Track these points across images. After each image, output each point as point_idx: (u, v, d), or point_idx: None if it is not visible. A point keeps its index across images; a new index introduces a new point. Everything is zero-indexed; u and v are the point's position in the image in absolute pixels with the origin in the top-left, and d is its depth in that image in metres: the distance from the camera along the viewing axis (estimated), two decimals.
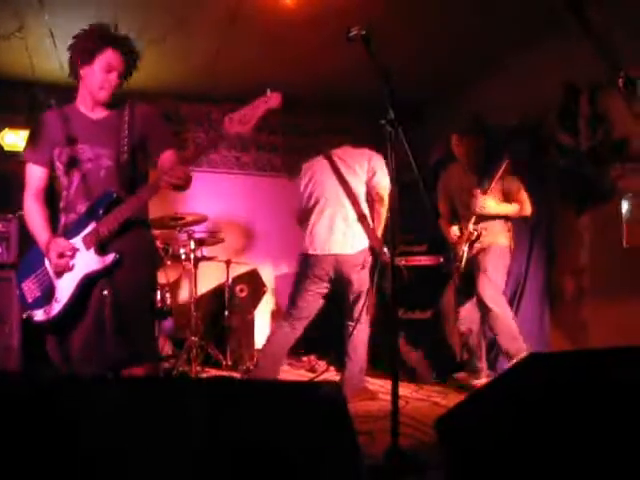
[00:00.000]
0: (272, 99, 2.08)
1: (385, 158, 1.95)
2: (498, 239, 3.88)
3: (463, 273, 3.86)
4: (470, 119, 4.04)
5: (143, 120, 2.39)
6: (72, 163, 2.32)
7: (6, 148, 5.23)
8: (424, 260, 4.40)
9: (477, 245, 3.83)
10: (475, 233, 3.81)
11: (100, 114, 2.38)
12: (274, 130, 6.17)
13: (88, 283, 2.24)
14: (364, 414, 2.89)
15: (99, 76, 2.29)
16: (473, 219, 3.79)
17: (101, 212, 2.23)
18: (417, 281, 4.28)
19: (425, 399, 3.50)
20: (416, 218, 3.94)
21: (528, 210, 3.89)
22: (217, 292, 4.98)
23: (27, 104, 5.29)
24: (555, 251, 4.61)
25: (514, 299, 4.49)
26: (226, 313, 4.66)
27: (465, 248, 3.82)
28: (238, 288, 4.77)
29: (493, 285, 3.76)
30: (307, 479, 1.09)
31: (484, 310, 3.70)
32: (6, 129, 5.28)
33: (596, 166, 4.17)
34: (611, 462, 1.39)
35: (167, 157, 2.37)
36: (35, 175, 2.39)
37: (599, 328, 4.11)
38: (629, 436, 1.41)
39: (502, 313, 3.69)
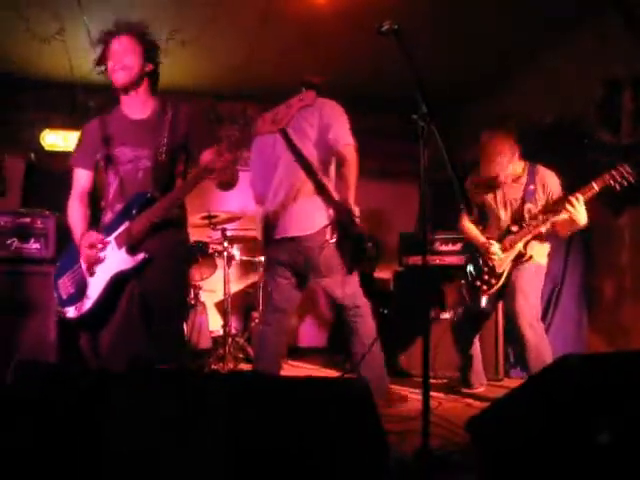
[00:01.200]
0: (306, 97, 2.07)
1: (417, 155, 1.86)
2: (539, 256, 3.45)
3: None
4: (501, 119, 3.76)
5: (187, 120, 2.42)
6: (112, 165, 2.39)
7: (46, 148, 5.38)
8: (458, 260, 4.30)
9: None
10: (527, 255, 3.35)
11: (142, 114, 2.42)
12: None
13: (118, 282, 2.28)
14: (395, 414, 2.86)
15: (110, 63, 2.32)
16: (528, 236, 3.33)
17: (134, 212, 2.28)
18: (451, 280, 4.19)
19: (458, 400, 3.44)
20: (450, 217, 3.88)
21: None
22: (251, 289, 5.00)
23: (68, 105, 5.42)
24: (594, 251, 4.49)
25: (551, 301, 4.39)
26: (259, 311, 4.67)
27: (507, 267, 3.37)
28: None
29: (533, 309, 3.33)
30: (331, 475, 1.08)
31: (519, 337, 3.27)
32: (46, 129, 5.42)
33: (636, 163, 4.05)
34: None
35: (207, 155, 2.37)
36: (80, 178, 2.49)
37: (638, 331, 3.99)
38: None
39: (539, 343, 3.25)
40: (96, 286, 2.30)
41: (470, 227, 3.60)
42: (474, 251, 3.56)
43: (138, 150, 2.36)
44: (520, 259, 3.37)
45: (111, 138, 2.38)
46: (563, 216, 3.19)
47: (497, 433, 1.68)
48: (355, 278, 3.07)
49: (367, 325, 3.11)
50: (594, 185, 3.14)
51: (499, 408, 1.69)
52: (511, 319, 3.38)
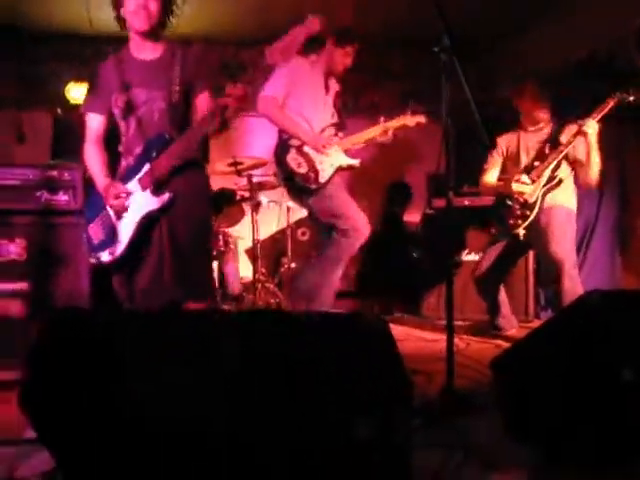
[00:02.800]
0: (311, 24, 2.04)
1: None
2: (569, 199, 3.44)
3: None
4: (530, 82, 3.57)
5: (196, 60, 2.40)
6: (128, 108, 2.39)
7: (71, 101, 5.38)
8: (488, 200, 4.20)
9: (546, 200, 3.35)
10: (557, 178, 3.33)
11: (152, 54, 2.40)
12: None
13: (147, 223, 2.33)
14: (424, 355, 2.89)
15: (132, 6, 2.28)
16: (554, 163, 3.31)
17: (154, 154, 2.30)
18: (480, 222, 4.12)
19: (487, 342, 3.45)
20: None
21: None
22: (278, 236, 5.03)
23: (91, 57, 5.39)
24: (628, 191, 4.36)
25: (583, 242, 4.31)
26: (287, 256, 4.70)
27: (540, 195, 3.33)
28: (300, 231, 4.80)
29: (569, 255, 3.29)
30: (351, 410, 1.09)
31: (554, 281, 3.28)
32: (71, 82, 5.41)
33: None
34: None
35: (202, 99, 2.38)
36: (93, 123, 2.49)
37: None
38: None
39: (574, 288, 3.19)
40: (126, 230, 2.35)
41: (492, 181, 3.63)
42: (499, 198, 3.54)
43: (152, 91, 2.36)
44: (551, 184, 3.36)
45: (125, 80, 2.37)
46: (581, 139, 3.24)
47: (520, 372, 1.68)
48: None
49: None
50: (608, 102, 3.22)
51: (522, 347, 1.68)
52: (545, 264, 3.47)
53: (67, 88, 5.40)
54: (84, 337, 1.37)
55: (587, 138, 3.22)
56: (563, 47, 4.60)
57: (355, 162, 3.29)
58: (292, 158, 3.16)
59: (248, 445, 1.17)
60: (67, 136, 4.73)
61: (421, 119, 3.42)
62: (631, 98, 3.24)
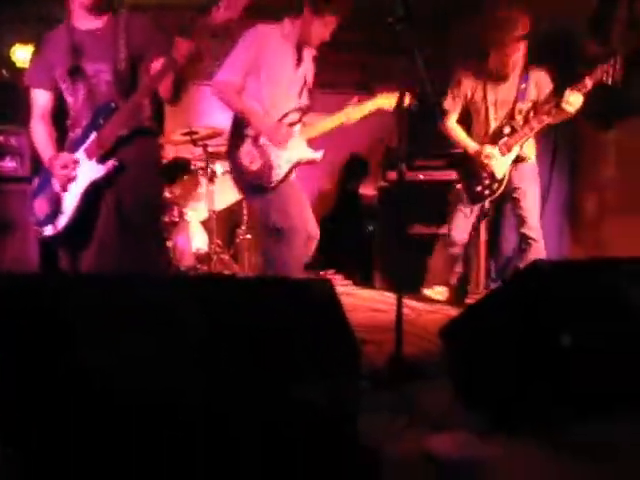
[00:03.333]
0: None
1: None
2: (532, 155, 3.52)
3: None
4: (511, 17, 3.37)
5: (143, 29, 2.34)
6: (75, 81, 2.32)
7: (18, 64, 5.14)
8: (442, 175, 4.27)
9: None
10: (528, 156, 3.44)
11: (94, 24, 2.33)
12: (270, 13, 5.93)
13: (92, 193, 2.28)
14: (373, 325, 2.93)
15: None
16: (525, 139, 3.36)
17: (101, 122, 2.25)
18: (434, 197, 4.16)
19: (439, 312, 3.52)
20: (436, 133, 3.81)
21: None
22: (235, 207, 4.98)
23: (35, 17, 5.16)
24: (578, 168, 4.48)
25: None
26: (244, 227, 4.68)
27: (507, 171, 3.39)
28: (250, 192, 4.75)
29: (537, 213, 3.46)
30: (303, 368, 1.11)
31: (524, 242, 3.45)
32: (16, 44, 5.17)
33: (626, 75, 3.97)
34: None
35: (157, 65, 2.30)
36: (40, 99, 2.42)
37: (620, 247, 4.04)
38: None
39: (542, 245, 3.44)
40: (71, 200, 2.31)
41: (456, 128, 3.55)
42: (466, 158, 3.53)
43: (98, 64, 2.31)
44: (519, 161, 3.41)
45: (70, 52, 2.30)
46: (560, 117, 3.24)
47: (469, 339, 1.73)
48: None
49: None
50: (587, 81, 3.16)
51: (471, 315, 1.73)
52: (518, 223, 3.49)
53: (12, 50, 5.17)
54: (30, 305, 1.34)
55: (566, 114, 3.20)
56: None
57: (316, 156, 2.84)
58: (246, 152, 2.75)
59: (200, 411, 1.17)
60: (12, 100, 4.54)
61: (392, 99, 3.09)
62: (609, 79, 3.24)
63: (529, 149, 3.48)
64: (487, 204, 3.55)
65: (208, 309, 1.17)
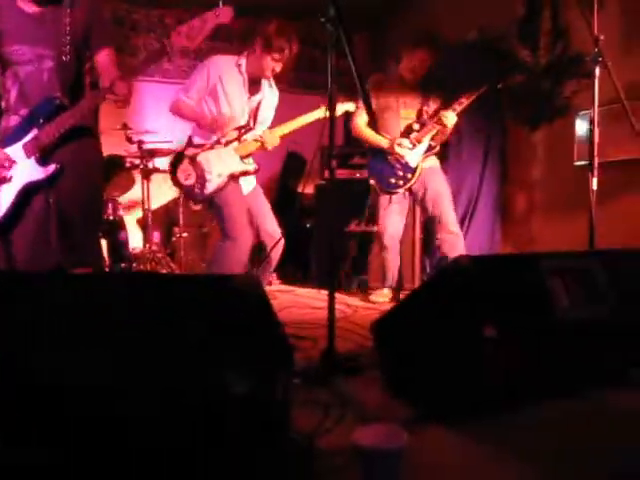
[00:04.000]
0: (223, 13, 2.00)
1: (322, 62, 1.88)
2: (437, 161, 3.83)
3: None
4: (423, 32, 3.78)
5: (86, 10, 2.26)
6: (10, 64, 2.22)
7: None
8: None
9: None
10: (435, 147, 3.70)
11: (38, 8, 2.22)
12: (229, 37, 5.92)
13: (29, 191, 2.22)
14: (308, 321, 2.96)
15: None
16: (433, 132, 3.64)
17: (42, 120, 2.18)
18: (361, 194, 4.23)
19: (375, 308, 3.58)
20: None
21: None
22: (171, 205, 4.92)
23: None
24: (508, 166, 4.66)
25: (466, 214, 4.57)
26: (179, 226, 4.62)
27: (420, 161, 3.68)
28: (192, 201, 4.71)
29: (450, 204, 3.73)
30: (230, 363, 1.12)
31: (447, 234, 3.66)
32: None
33: (552, 82, 4.16)
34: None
35: (104, 57, 2.29)
36: None
37: (547, 244, 4.23)
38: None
39: (461, 242, 3.71)
40: (5, 197, 2.22)
41: (367, 129, 3.75)
42: (379, 152, 3.73)
43: (39, 49, 2.20)
44: (430, 151, 3.70)
45: (4, 34, 2.19)
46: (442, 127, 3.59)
47: (397, 332, 1.78)
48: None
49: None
50: (463, 100, 3.54)
51: (400, 309, 1.78)
52: (436, 223, 3.69)
53: None
54: None
55: (445, 129, 3.59)
56: (455, 24, 4.79)
57: (248, 167, 3.11)
58: (182, 170, 3.06)
59: (130, 407, 1.16)
60: None
61: (349, 107, 3.34)
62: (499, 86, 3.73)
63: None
64: (406, 195, 3.79)
65: (136, 306, 1.17)
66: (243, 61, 3.13)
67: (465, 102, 3.53)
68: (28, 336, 1.22)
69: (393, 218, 3.79)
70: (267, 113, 3.28)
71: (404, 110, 3.74)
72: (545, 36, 4.23)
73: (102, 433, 1.10)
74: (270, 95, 3.28)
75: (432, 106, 3.76)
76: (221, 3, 1.98)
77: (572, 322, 1.71)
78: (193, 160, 3.07)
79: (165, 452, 1.20)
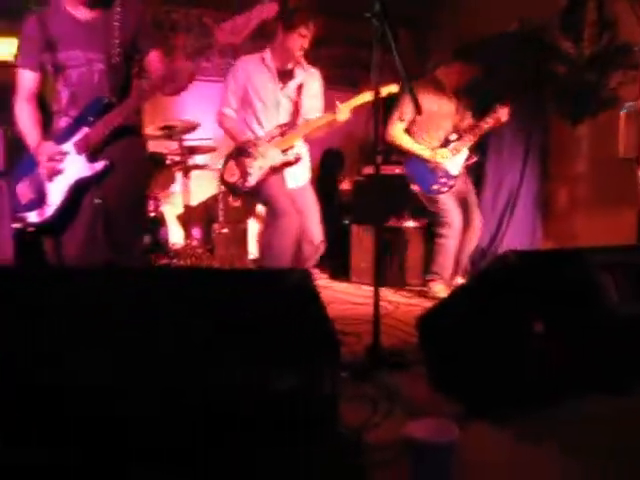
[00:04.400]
0: (268, 9, 1.98)
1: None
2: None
3: None
4: (462, 45, 3.83)
5: (135, 14, 2.31)
6: (63, 68, 2.29)
7: None
8: None
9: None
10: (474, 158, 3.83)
11: (88, 14, 2.28)
12: (267, 35, 5.96)
13: (79, 189, 2.27)
14: (352, 317, 2.96)
15: None
16: (470, 143, 3.75)
17: (91, 118, 2.25)
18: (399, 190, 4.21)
19: (418, 305, 3.57)
20: None
21: None
22: (210, 202, 4.98)
23: (5, 10, 5.07)
24: (550, 162, 4.57)
25: (507, 208, 4.51)
26: (219, 222, 4.67)
27: (461, 169, 3.77)
28: (231, 197, 4.76)
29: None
30: (282, 357, 1.13)
31: (474, 227, 3.78)
32: None
33: (597, 73, 4.07)
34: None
35: (153, 58, 2.34)
36: (25, 79, 2.36)
37: (590, 240, 4.14)
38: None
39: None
40: (57, 193, 2.28)
41: (405, 137, 3.78)
42: (418, 162, 3.77)
43: (90, 53, 2.27)
44: (469, 160, 3.80)
45: (58, 38, 2.25)
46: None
47: (440, 329, 1.77)
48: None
49: None
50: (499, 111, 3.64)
51: (445, 305, 1.77)
52: (473, 213, 3.77)
53: None
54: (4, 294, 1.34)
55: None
56: (496, 18, 4.72)
57: (289, 158, 3.14)
58: (228, 169, 3.22)
59: (182, 400, 1.19)
60: None
61: (392, 88, 3.19)
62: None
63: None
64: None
65: (189, 300, 1.19)
66: (267, 54, 3.17)
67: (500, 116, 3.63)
68: (79, 330, 1.25)
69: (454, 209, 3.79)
70: (312, 102, 3.26)
71: (443, 119, 3.81)
72: (590, 27, 4.14)
73: (166, 426, 1.13)
74: (310, 80, 3.25)
75: (469, 116, 3.85)
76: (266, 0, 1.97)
77: (620, 317, 1.68)
78: (237, 159, 3.17)
79: (216, 443, 1.22)
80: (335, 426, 1.40)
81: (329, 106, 3.24)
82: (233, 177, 3.17)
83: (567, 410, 1.57)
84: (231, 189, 3.28)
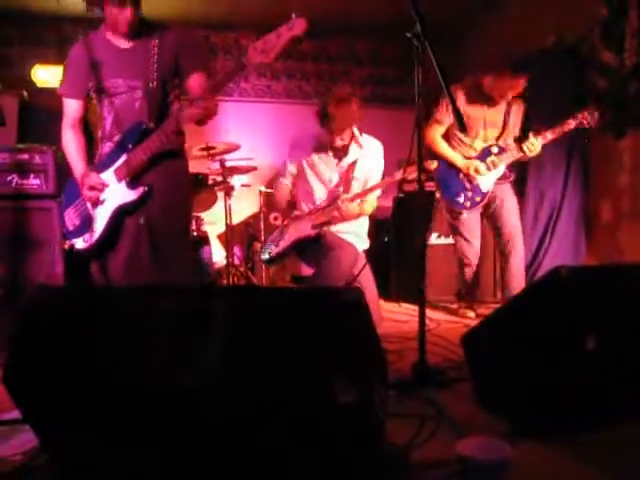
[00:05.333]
0: (296, 26, 1.97)
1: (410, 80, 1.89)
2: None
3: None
4: (503, 57, 3.63)
5: (175, 42, 2.37)
6: (107, 95, 2.38)
7: (39, 84, 5.28)
8: None
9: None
10: (512, 176, 3.66)
11: (129, 43, 2.37)
12: (304, 57, 6.07)
13: (122, 214, 2.35)
14: (394, 335, 2.96)
15: (112, 16, 2.27)
16: (511, 160, 3.57)
17: (130, 145, 2.31)
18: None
19: (458, 321, 3.54)
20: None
21: None
22: (251, 220, 5.04)
23: (57, 39, 5.30)
24: (593, 175, 4.49)
25: (549, 224, 4.44)
26: (260, 241, 4.73)
27: (492, 186, 3.58)
28: (272, 216, 4.81)
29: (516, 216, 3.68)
30: (327, 384, 1.14)
31: (511, 255, 3.60)
32: (37, 65, 5.30)
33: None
34: None
35: (196, 81, 2.37)
36: (71, 107, 2.47)
37: (635, 254, 4.04)
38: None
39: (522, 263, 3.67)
40: (101, 219, 2.37)
41: (442, 143, 3.65)
42: (449, 168, 3.63)
43: (131, 81, 2.35)
44: (504, 179, 3.62)
45: (101, 66, 2.34)
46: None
47: (487, 346, 1.76)
48: None
49: None
50: (553, 132, 3.43)
51: (492, 321, 1.76)
52: (505, 239, 3.61)
53: (33, 70, 5.30)
54: (63, 314, 1.40)
55: (525, 157, 3.52)
56: (532, 32, 4.70)
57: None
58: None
59: (237, 416, 1.21)
60: (33, 120, 4.66)
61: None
62: (586, 122, 3.47)
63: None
64: (465, 215, 3.68)
65: (242, 318, 1.22)
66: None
67: (557, 133, 3.45)
68: (138, 347, 1.30)
69: (475, 231, 3.71)
70: (366, 171, 3.31)
71: (484, 131, 3.64)
72: (631, 37, 4.07)
73: (212, 435, 1.16)
74: (364, 153, 3.31)
75: (515, 129, 3.66)
76: (294, 15, 1.97)
77: None
78: None
79: (268, 456, 1.24)
80: (382, 443, 1.40)
81: (375, 123, 3.31)
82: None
83: (617, 432, 1.53)
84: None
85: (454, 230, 3.77)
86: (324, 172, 3.31)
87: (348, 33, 5.99)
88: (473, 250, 3.73)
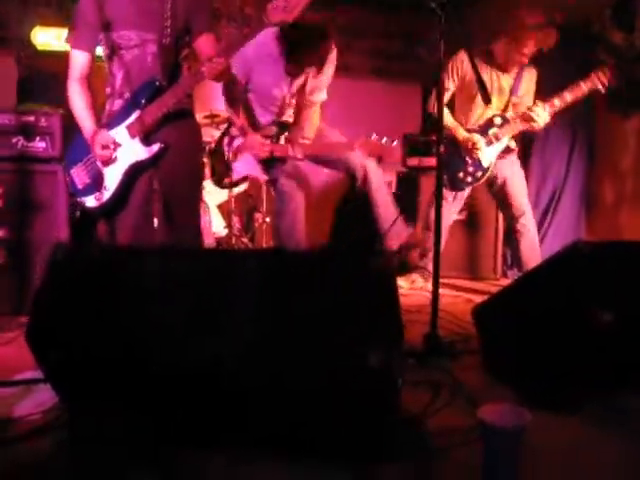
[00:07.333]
0: None
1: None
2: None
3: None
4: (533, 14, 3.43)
5: (186, 4, 2.29)
6: (118, 49, 2.29)
7: (39, 48, 5.15)
8: None
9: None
10: (515, 148, 3.51)
11: None
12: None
13: (135, 172, 2.30)
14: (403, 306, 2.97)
15: None
16: (514, 132, 3.42)
17: (143, 101, 2.25)
18: None
19: (459, 296, 3.56)
20: None
21: None
22: (252, 191, 5.01)
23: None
24: (596, 156, 4.50)
25: (551, 203, 4.46)
26: (261, 212, 4.71)
27: (494, 160, 3.45)
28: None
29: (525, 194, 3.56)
30: (350, 343, 1.16)
31: (521, 230, 3.52)
32: (37, 27, 5.17)
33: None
34: None
35: (205, 42, 2.32)
36: (78, 60, 2.36)
37: (635, 235, 4.07)
38: None
39: (536, 236, 3.60)
40: (113, 177, 2.31)
41: (447, 114, 3.43)
42: (452, 142, 3.46)
43: (144, 34, 2.27)
44: (507, 153, 3.48)
45: (112, 20, 2.26)
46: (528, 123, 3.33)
47: (499, 319, 1.78)
48: None
49: None
50: (567, 95, 3.26)
51: (504, 295, 1.77)
52: (513, 215, 3.53)
53: (33, 32, 5.18)
54: (86, 273, 1.40)
55: (532, 128, 3.33)
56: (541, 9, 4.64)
57: None
58: None
59: (259, 379, 1.23)
60: (34, 84, 4.58)
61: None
62: (600, 83, 3.25)
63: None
64: (468, 191, 3.58)
65: (268, 280, 1.22)
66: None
67: (569, 99, 3.27)
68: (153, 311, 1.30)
69: (448, 212, 3.49)
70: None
71: (493, 97, 3.39)
72: None
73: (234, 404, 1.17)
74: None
75: (518, 98, 3.48)
76: None
77: None
78: None
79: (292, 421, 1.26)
80: (398, 410, 1.43)
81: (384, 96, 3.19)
82: None
83: (631, 399, 1.57)
84: None
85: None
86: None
87: (357, 4, 5.89)
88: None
